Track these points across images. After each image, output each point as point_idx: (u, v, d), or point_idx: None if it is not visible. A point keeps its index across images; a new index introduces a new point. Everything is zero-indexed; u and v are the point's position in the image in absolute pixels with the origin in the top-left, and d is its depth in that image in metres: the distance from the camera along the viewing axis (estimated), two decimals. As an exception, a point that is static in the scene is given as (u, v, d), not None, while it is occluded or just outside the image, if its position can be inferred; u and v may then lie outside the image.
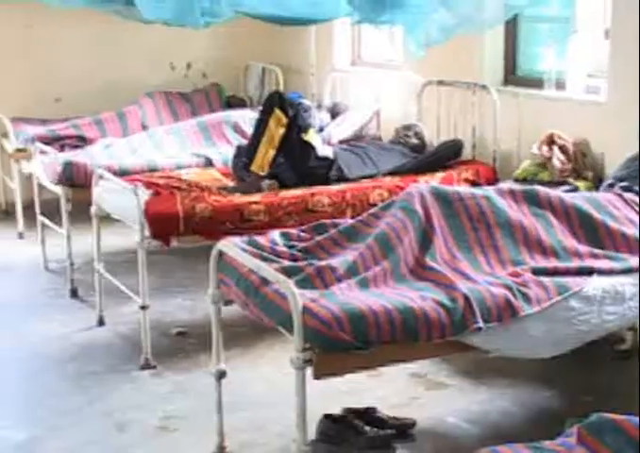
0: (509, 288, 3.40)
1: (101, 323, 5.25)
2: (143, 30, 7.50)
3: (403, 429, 3.90)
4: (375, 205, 4.46)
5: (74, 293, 5.74)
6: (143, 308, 4.66)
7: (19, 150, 6.91)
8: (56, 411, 4.21)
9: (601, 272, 3.61)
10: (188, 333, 5.10)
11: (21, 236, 7.05)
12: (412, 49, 4.74)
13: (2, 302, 5.72)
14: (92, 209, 5.16)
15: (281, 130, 5.46)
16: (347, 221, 4.10)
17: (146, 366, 4.66)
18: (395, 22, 4.65)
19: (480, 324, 3.26)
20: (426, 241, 3.71)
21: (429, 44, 4.52)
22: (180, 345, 4.96)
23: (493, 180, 5.56)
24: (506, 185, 4.40)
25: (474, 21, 4.55)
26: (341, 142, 6.43)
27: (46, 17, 7.40)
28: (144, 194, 4.90)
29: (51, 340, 5.07)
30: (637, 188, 4.34)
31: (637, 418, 2.17)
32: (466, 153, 5.96)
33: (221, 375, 3.72)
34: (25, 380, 4.66)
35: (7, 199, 7.65)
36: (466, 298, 3.28)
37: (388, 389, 4.34)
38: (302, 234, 4.00)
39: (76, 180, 5.81)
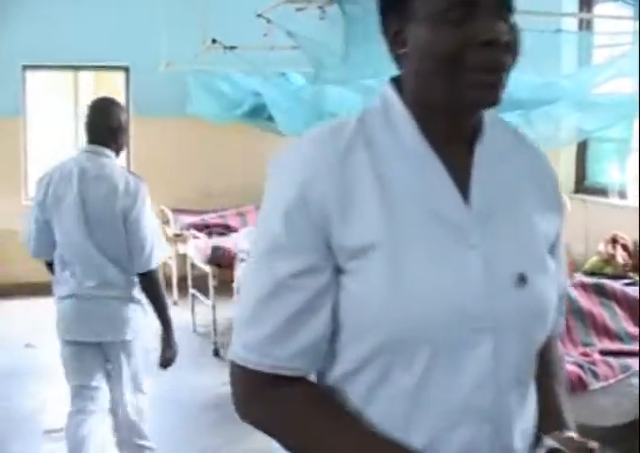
0: (580, 366, 3.35)
1: (237, 378, 5.30)
2: (278, 141, 7.71)
3: None
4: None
5: (216, 353, 5.82)
6: (273, 367, 4.70)
7: (177, 235, 7.12)
8: (200, 448, 4.27)
9: (659, 354, 3.54)
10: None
11: (175, 303, 7.15)
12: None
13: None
14: (235, 285, 5.27)
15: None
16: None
17: (274, 416, 4.67)
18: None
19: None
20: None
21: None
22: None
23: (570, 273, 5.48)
24: (577, 278, 4.35)
25: (552, 139, 4.58)
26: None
27: (202, 130, 7.67)
28: (277, 275, 4.97)
29: (198, 390, 5.14)
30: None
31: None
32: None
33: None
34: (178, 421, 4.73)
35: (165, 273, 7.77)
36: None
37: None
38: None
39: (222, 261, 5.94)
